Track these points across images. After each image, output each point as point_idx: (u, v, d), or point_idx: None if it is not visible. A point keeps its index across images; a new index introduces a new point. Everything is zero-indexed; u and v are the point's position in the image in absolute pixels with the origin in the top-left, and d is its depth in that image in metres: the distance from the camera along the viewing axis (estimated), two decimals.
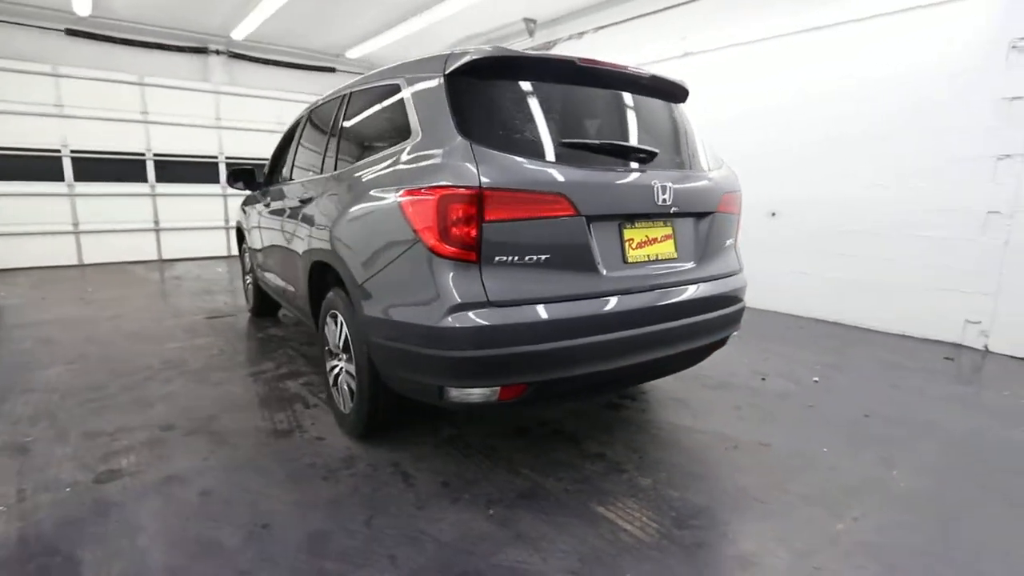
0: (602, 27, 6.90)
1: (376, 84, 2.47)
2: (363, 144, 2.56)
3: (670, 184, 2.10)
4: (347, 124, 2.70)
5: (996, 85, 3.83)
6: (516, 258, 1.84)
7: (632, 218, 2.07)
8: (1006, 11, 3.81)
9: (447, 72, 1.98)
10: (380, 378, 2.25)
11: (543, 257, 1.88)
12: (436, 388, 1.92)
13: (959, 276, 4.10)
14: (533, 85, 2.04)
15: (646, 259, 2.10)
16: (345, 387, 2.51)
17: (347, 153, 2.66)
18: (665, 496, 2.11)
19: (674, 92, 2.44)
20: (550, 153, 1.93)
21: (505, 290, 1.83)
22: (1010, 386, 3.36)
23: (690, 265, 2.25)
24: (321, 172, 2.85)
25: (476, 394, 1.87)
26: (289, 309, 3.49)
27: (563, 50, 7.42)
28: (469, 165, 1.78)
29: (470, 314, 1.79)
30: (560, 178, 1.87)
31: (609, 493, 2.13)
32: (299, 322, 4.69)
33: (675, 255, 2.20)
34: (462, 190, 1.76)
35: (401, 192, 1.93)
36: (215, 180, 8.83)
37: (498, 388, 1.86)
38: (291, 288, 3.15)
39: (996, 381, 3.47)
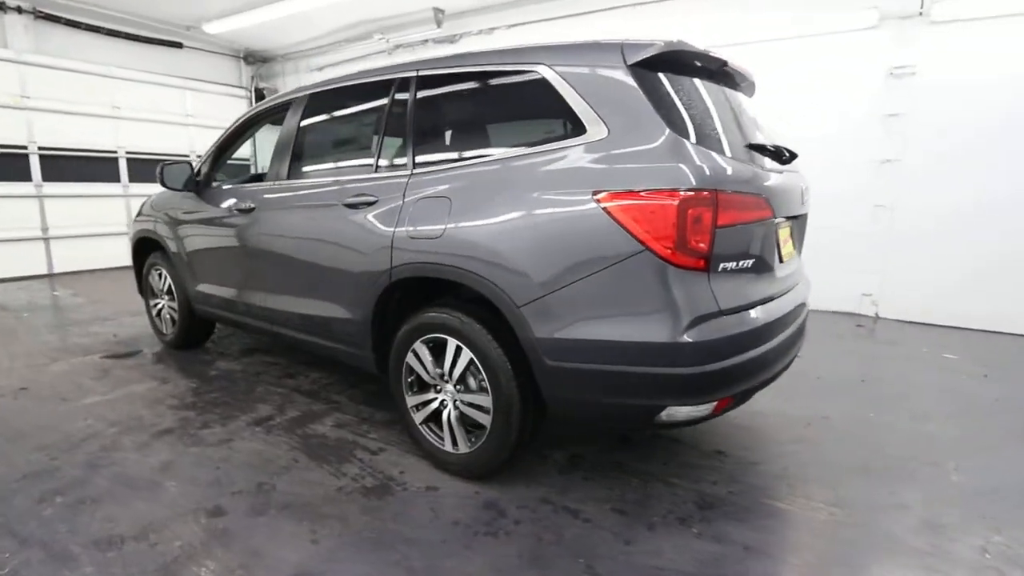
0: (515, 25, 6.89)
1: (478, 68, 2.13)
2: (472, 138, 2.20)
3: (806, 184, 2.21)
4: (423, 113, 2.27)
5: None
6: (733, 264, 1.77)
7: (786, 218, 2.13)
8: None
9: (631, 62, 1.80)
10: (529, 406, 1.97)
11: (749, 262, 1.84)
12: (650, 409, 1.76)
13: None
14: (696, 82, 1.96)
15: (788, 258, 2.18)
16: (454, 424, 2.14)
17: (434, 148, 2.25)
18: (813, 477, 2.23)
19: (754, 90, 2.56)
20: (732, 153, 1.88)
21: (730, 298, 1.75)
22: (918, 342, 4.25)
23: (798, 263, 2.39)
24: (383, 169, 2.36)
25: (698, 411, 1.76)
26: (289, 336, 2.83)
27: (470, 45, 7.24)
28: (700, 165, 1.65)
29: (706, 326, 1.67)
30: (761, 179, 1.84)
31: (763, 487, 2.18)
32: (250, 350, 3.85)
33: (796, 253, 2.32)
34: (705, 193, 1.62)
35: (603, 195, 1.70)
36: (26, 177, 6.71)
37: (715, 402, 1.77)
38: (320, 312, 2.56)
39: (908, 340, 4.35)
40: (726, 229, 1.70)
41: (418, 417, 2.29)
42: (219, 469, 2.26)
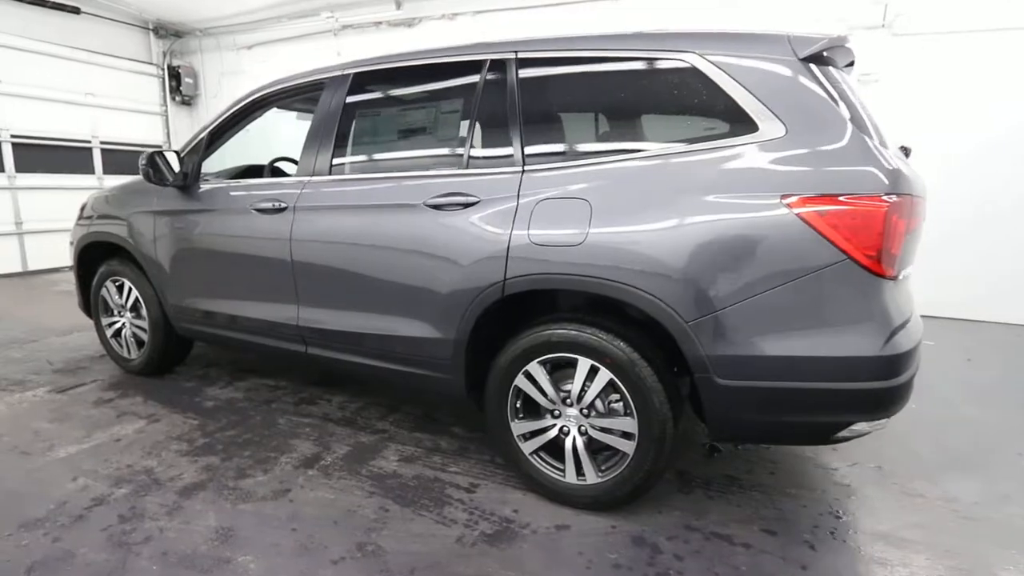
0: (481, 11, 6.57)
1: (605, 52, 1.89)
2: (603, 130, 1.95)
3: None
4: (533, 99, 1.98)
5: None
6: (903, 271, 1.71)
7: None
8: None
9: (802, 56, 1.67)
10: (679, 429, 1.80)
11: (910, 269, 1.80)
12: (835, 426, 1.66)
13: None
14: (843, 75, 1.87)
15: None
16: (581, 452, 1.91)
17: (550, 140, 1.98)
18: (910, 472, 2.25)
19: None
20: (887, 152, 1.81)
21: (905, 307, 1.69)
22: None
23: None
24: (479, 163, 2.03)
25: (876, 426, 1.68)
26: (336, 359, 2.40)
27: (430, 31, 6.81)
28: (894, 167, 1.56)
29: (897, 338, 1.60)
30: (921, 180, 1.79)
31: (876, 487, 2.18)
32: (241, 373, 3.27)
33: None
34: (902, 198, 1.53)
35: (795, 200, 1.55)
36: None
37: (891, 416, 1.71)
38: (391, 332, 2.17)
39: None
40: (908, 235, 1.64)
41: (527, 446, 2.03)
42: (296, 530, 1.84)
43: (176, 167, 2.69)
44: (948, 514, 2.02)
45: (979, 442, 2.60)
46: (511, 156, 1.99)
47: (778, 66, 1.68)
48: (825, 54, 1.71)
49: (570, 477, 1.97)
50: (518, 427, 2.04)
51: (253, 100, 2.71)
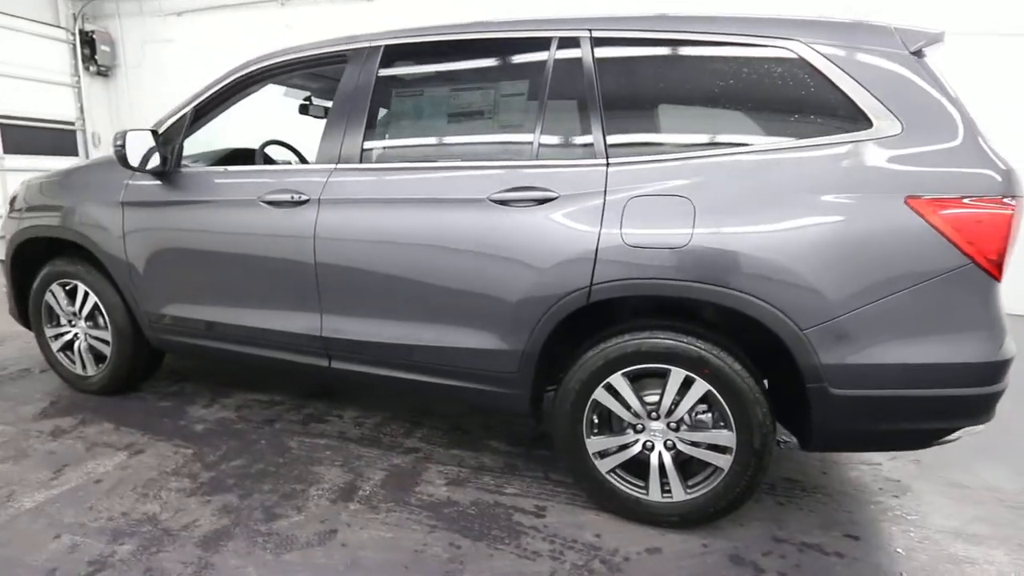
0: None
1: (697, 35, 1.72)
2: (699, 121, 1.78)
3: None
4: (617, 83, 1.78)
5: None
6: None
7: None
8: None
9: (912, 50, 1.60)
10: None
11: None
12: (942, 432, 1.63)
13: None
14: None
15: None
16: (669, 468, 1.78)
17: (638, 130, 1.80)
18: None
19: None
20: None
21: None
22: None
23: None
24: (551, 153, 1.82)
25: (976, 430, 1.67)
26: (372, 374, 2.12)
27: (389, 5, 6.36)
28: (1008, 168, 1.52)
29: (1009, 341, 1.58)
30: None
31: (946, 479, 2.23)
32: (224, 387, 2.85)
33: None
34: (1018, 200, 1.50)
35: (919, 201, 1.48)
36: None
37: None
38: (447, 343, 1.91)
39: None
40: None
41: (604, 464, 1.87)
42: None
43: (153, 149, 2.25)
44: (999, 506, 2.08)
45: (1010, 430, 2.71)
46: (591, 146, 1.79)
47: (890, 60, 1.60)
48: (924, 49, 1.66)
49: (654, 495, 1.84)
50: (594, 444, 1.87)
51: (250, 73, 2.31)
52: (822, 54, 1.63)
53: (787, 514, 1.98)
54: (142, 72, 7.16)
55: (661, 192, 1.68)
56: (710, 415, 1.77)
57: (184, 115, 2.36)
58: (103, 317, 2.59)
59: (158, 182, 2.35)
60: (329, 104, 3.34)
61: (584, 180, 1.75)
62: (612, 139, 1.78)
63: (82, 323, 2.67)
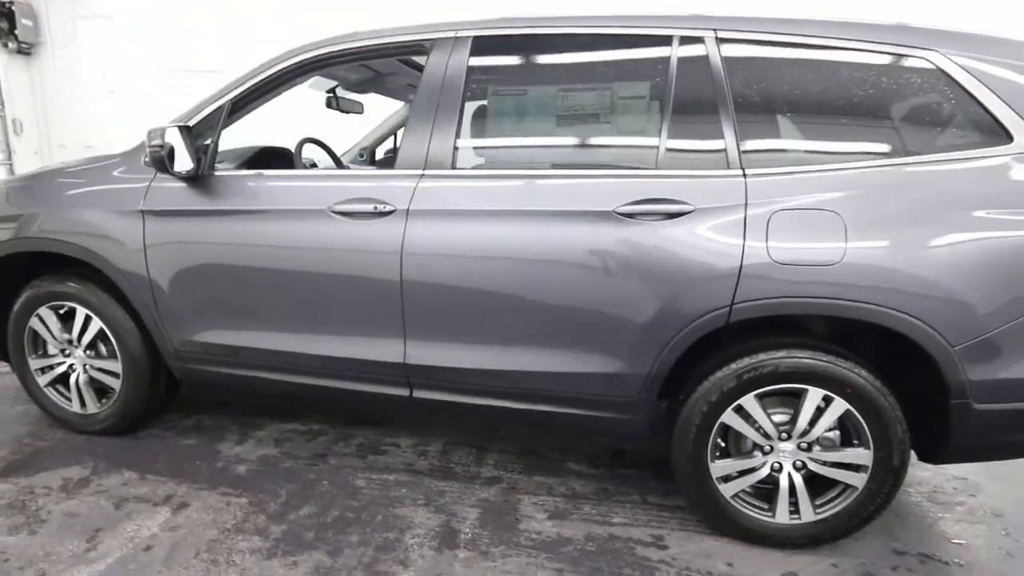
0: None
1: (831, 41, 1.65)
2: (834, 130, 1.72)
3: None
4: (748, 87, 1.67)
5: None
6: None
7: None
8: None
9: None
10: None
11: None
12: None
13: None
14: None
15: None
16: (800, 490, 1.73)
17: (772, 137, 1.71)
18: None
19: None
20: None
21: None
22: None
23: None
24: (675, 160, 1.70)
25: None
26: (462, 403, 1.91)
27: None
28: None
29: None
30: None
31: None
32: (251, 421, 2.52)
33: None
34: None
35: None
36: None
37: None
38: (563, 368, 1.75)
39: None
40: None
41: (729, 488, 1.79)
42: None
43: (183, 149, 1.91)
44: None
45: None
46: (723, 155, 1.68)
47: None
48: None
49: (780, 517, 1.78)
50: (719, 468, 1.78)
51: (301, 61, 2.01)
52: (961, 66, 1.61)
53: (888, 523, 1.98)
54: (75, 51, 6.29)
55: (809, 206, 1.60)
56: (838, 433, 1.73)
57: (220, 108, 2.02)
58: (110, 345, 2.20)
59: (188, 186, 2.01)
60: (356, 97, 3.12)
61: (722, 192, 1.65)
62: (746, 148, 1.68)
63: (80, 352, 2.25)
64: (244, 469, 2.15)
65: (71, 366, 2.28)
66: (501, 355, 1.83)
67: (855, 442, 1.71)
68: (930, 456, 1.78)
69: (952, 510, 2.09)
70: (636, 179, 1.72)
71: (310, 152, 2.60)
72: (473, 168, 1.89)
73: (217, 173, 2.03)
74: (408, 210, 1.81)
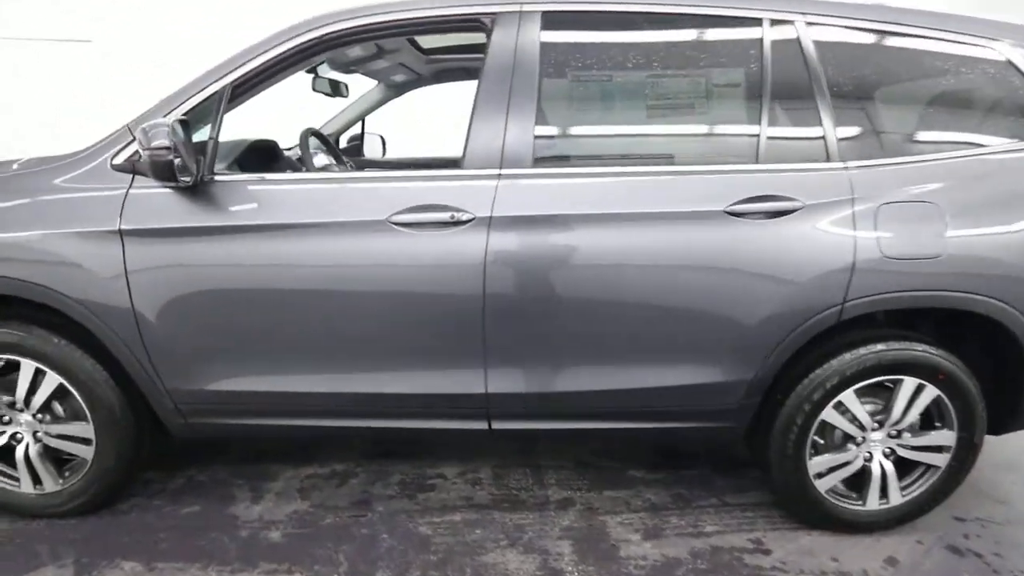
0: None
1: (910, 30, 1.63)
2: (916, 120, 1.70)
3: None
4: (841, 81, 1.60)
5: None
6: None
7: None
8: None
9: None
10: None
11: None
12: None
13: None
14: None
15: None
16: (890, 476, 1.76)
17: (869, 127, 1.66)
18: None
19: None
20: None
21: None
22: None
23: None
24: (777, 154, 1.59)
25: None
26: (554, 429, 1.71)
27: None
28: None
29: None
30: None
31: None
32: (247, 465, 2.10)
33: None
34: None
35: None
36: None
37: None
38: (661, 383, 1.60)
39: None
40: None
41: (824, 483, 1.78)
42: None
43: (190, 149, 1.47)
44: None
45: None
46: (822, 147, 1.61)
47: None
48: None
49: (871, 504, 1.81)
50: (816, 465, 1.77)
51: (320, 36, 1.62)
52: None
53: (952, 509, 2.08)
54: None
55: (910, 198, 1.59)
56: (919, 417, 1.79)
57: (217, 94, 1.58)
58: (73, 403, 1.69)
59: (184, 196, 1.56)
60: (341, 78, 2.68)
61: (829, 186, 1.58)
62: (843, 139, 1.63)
63: (27, 417, 1.72)
64: (279, 535, 1.78)
65: (15, 436, 1.74)
66: (593, 376, 1.65)
67: (937, 424, 1.77)
68: (999, 429, 1.89)
69: (997, 472, 2.20)
70: (740, 174, 1.60)
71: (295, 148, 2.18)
72: (555, 163, 1.66)
73: (220, 178, 1.61)
74: (491, 217, 1.55)
